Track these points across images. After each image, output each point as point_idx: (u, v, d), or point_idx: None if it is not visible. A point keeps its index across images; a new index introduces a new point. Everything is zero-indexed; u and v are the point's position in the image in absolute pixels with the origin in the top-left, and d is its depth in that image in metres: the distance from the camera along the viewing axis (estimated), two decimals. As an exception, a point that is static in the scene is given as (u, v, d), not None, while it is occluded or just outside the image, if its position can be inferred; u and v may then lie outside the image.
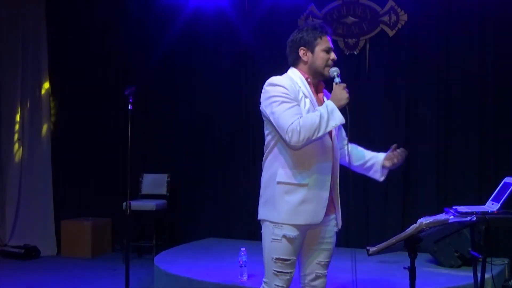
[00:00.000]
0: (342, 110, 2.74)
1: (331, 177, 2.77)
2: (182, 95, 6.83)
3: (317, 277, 2.80)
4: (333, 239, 2.85)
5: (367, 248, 2.55)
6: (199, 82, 6.72)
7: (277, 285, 2.73)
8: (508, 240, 5.22)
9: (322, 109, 2.67)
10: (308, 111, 2.71)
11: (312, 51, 2.82)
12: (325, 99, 2.87)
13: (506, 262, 4.94)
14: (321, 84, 2.92)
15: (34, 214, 6.94)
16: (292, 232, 2.70)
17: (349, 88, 6.26)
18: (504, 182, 3.35)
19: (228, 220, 6.49)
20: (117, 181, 6.63)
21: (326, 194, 2.74)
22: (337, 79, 2.78)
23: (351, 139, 3.01)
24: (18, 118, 6.96)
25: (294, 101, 2.70)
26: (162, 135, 6.92)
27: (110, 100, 6.78)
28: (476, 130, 5.50)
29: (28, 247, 6.63)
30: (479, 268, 3.56)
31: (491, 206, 3.27)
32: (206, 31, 6.57)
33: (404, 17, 5.76)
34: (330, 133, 2.76)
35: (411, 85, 5.79)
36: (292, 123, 2.63)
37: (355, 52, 5.97)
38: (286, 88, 2.72)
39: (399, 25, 5.78)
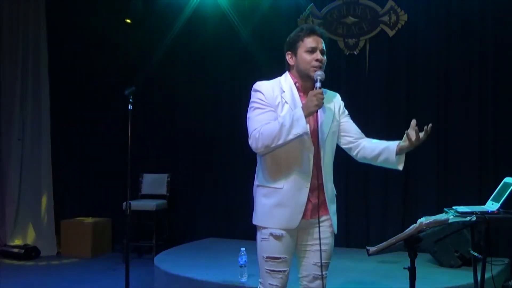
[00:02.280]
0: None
1: (312, 182, 2.71)
2: (182, 95, 6.84)
3: (314, 279, 2.75)
4: (328, 240, 2.77)
5: (367, 248, 2.55)
6: (199, 82, 6.72)
7: (271, 284, 2.73)
8: (508, 240, 5.22)
9: (287, 116, 2.63)
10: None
11: (296, 54, 2.77)
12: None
13: (506, 262, 4.94)
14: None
15: (34, 214, 6.94)
16: (277, 230, 2.71)
17: (349, 88, 6.29)
18: (504, 182, 3.35)
19: (228, 220, 6.49)
20: (117, 181, 6.63)
21: (303, 199, 2.70)
22: (317, 84, 2.66)
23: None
24: (18, 117, 6.95)
25: (269, 107, 2.71)
26: (162, 135, 6.93)
27: (110, 100, 6.78)
28: (476, 130, 5.50)
29: (28, 247, 6.63)
30: (479, 268, 3.56)
31: (491, 206, 3.27)
32: (206, 31, 6.57)
33: (404, 17, 5.77)
34: (314, 137, 2.71)
35: (411, 85, 5.79)
36: (254, 130, 2.68)
37: (355, 52, 5.97)
38: (263, 94, 2.73)
39: (399, 25, 5.78)
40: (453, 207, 3.30)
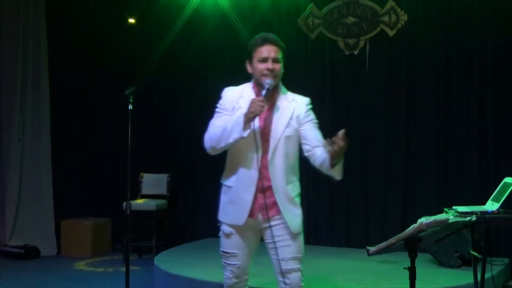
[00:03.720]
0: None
1: (261, 183, 2.81)
2: (182, 95, 6.84)
3: (286, 273, 2.85)
4: (290, 237, 2.85)
5: (367, 248, 2.55)
6: (199, 82, 6.72)
7: (226, 275, 2.99)
8: (508, 240, 5.23)
9: (231, 121, 2.79)
10: None
11: (252, 63, 2.93)
12: (277, 112, 2.87)
13: (506, 262, 4.94)
14: (274, 94, 2.89)
15: (34, 214, 6.93)
16: (227, 228, 2.95)
17: (349, 88, 6.28)
18: (504, 182, 3.35)
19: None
20: (117, 181, 6.62)
21: (249, 198, 2.84)
22: (263, 92, 2.80)
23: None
24: (18, 118, 6.95)
25: (225, 111, 2.91)
26: (162, 135, 6.92)
27: (110, 100, 6.78)
28: (476, 130, 5.50)
29: (28, 247, 6.62)
30: (479, 268, 3.56)
31: (491, 206, 3.27)
32: (206, 31, 6.57)
33: (404, 17, 5.76)
34: (264, 140, 2.81)
35: (411, 85, 5.79)
36: (207, 132, 2.89)
37: (355, 52, 5.97)
38: (223, 99, 2.98)
39: (399, 25, 5.78)
40: (453, 207, 3.30)
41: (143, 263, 6.15)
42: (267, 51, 2.85)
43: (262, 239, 2.98)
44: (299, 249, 2.88)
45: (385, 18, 5.83)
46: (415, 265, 2.51)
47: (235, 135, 2.74)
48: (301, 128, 2.89)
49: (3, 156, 6.98)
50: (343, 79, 6.06)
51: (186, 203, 6.78)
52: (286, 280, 2.85)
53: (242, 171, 2.85)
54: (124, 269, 4.15)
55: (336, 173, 2.81)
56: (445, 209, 3.35)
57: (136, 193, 6.64)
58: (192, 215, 6.71)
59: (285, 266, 2.85)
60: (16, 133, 6.94)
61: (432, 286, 4.22)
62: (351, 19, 5.98)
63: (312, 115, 2.95)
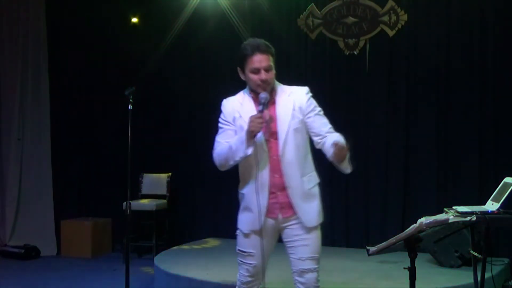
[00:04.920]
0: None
1: (274, 184, 2.85)
2: (182, 95, 6.84)
3: (302, 273, 2.87)
4: (307, 236, 2.88)
5: (367, 248, 2.55)
6: (199, 82, 6.72)
7: (241, 273, 2.98)
8: (508, 240, 5.23)
9: (235, 139, 2.84)
10: (236, 132, 2.89)
11: (244, 72, 2.90)
12: (279, 107, 2.89)
13: (506, 262, 4.94)
14: (271, 93, 2.90)
15: (34, 214, 6.94)
16: (245, 229, 2.94)
17: (349, 88, 6.26)
18: (504, 182, 3.34)
19: (228, 220, 6.46)
20: (117, 181, 6.62)
21: (263, 202, 2.84)
22: (259, 107, 2.78)
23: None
24: (18, 118, 6.95)
25: (227, 125, 2.94)
26: (162, 135, 6.92)
27: (110, 100, 6.77)
28: (476, 130, 5.50)
29: (28, 247, 6.63)
30: (479, 268, 3.55)
31: (491, 206, 3.26)
32: (206, 31, 6.56)
33: (404, 17, 5.76)
34: (273, 138, 2.84)
35: (411, 85, 5.79)
36: (214, 150, 2.95)
37: (355, 52, 5.97)
38: (223, 112, 2.98)
39: (399, 25, 5.78)
40: (453, 207, 3.30)
41: (143, 263, 6.15)
42: (259, 61, 2.83)
43: (280, 239, 3.00)
44: (316, 249, 2.91)
45: (385, 18, 5.83)
46: (415, 265, 2.51)
47: (240, 154, 2.79)
48: (306, 120, 2.89)
49: (3, 156, 6.99)
50: (343, 79, 6.06)
51: (186, 203, 6.78)
52: (302, 280, 2.88)
53: (253, 177, 2.86)
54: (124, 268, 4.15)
55: (344, 167, 2.80)
56: (445, 209, 3.35)
57: (136, 193, 6.64)
58: (192, 215, 6.71)
59: (302, 265, 2.87)
60: (16, 133, 6.94)
61: (432, 286, 4.22)
62: (351, 19, 5.98)
63: (314, 103, 2.94)
